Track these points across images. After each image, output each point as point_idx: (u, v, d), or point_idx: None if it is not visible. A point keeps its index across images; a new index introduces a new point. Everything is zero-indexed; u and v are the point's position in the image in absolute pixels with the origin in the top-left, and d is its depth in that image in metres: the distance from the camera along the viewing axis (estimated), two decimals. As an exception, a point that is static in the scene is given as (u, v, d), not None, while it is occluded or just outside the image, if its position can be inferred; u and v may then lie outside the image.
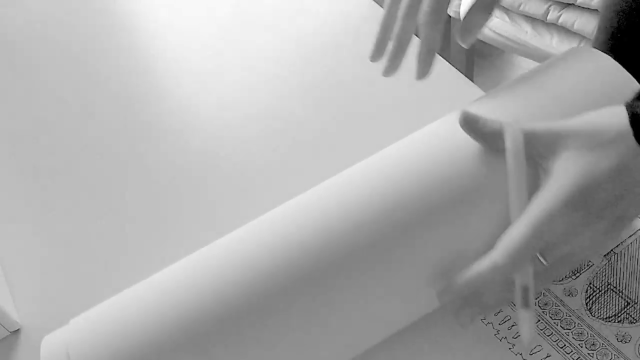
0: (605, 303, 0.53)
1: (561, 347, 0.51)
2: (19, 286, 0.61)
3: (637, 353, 0.50)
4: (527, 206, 0.43)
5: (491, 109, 0.49)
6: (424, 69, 0.53)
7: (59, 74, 0.79)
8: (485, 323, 0.53)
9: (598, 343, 0.51)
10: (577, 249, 0.44)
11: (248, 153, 0.67)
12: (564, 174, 0.43)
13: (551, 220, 0.42)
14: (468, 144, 0.47)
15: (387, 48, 0.55)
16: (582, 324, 0.52)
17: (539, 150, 0.45)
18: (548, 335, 0.52)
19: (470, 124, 0.47)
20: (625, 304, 0.53)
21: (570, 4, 1.30)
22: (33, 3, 0.89)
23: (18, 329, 0.59)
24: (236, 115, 0.71)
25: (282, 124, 0.70)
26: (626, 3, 0.72)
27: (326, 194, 0.47)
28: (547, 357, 0.51)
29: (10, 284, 0.61)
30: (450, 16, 1.52)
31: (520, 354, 0.51)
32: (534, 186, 0.45)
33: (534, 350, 0.51)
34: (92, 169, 0.70)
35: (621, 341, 0.51)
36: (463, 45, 0.54)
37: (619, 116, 0.43)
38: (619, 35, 0.75)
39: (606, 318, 0.52)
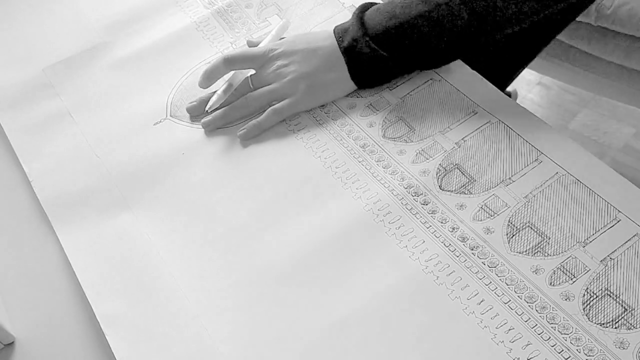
0: (603, 308, 0.53)
1: (559, 352, 0.51)
2: (12, 298, 0.61)
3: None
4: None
5: None
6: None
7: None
8: (482, 327, 0.53)
9: (596, 349, 0.51)
10: (288, 67, 0.70)
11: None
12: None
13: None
14: None
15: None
16: (579, 329, 0.52)
17: None
18: (546, 340, 0.52)
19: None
20: (623, 310, 0.52)
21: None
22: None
23: (12, 342, 0.58)
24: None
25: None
26: None
27: None
28: (545, 362, 0.50)
29: (4, 296, 0.61)
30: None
31: (518, 359, 0.51)
32: None
33: (532, 355, 0.51)
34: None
35: (619, 347, 0.51)
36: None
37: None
38: None
39: (604, 324, 0.52)
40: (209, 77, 0.72)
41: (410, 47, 0.67)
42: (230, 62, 0.71)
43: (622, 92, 1.27)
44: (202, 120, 0.71)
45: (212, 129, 0.71)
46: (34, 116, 0.75)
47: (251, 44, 0.76)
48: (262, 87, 0.71)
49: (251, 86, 0.72)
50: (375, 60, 0.68)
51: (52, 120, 0.74)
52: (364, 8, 0.70)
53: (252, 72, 0.73)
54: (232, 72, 0.72)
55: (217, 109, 0.71)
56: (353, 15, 0.70)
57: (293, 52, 0.71)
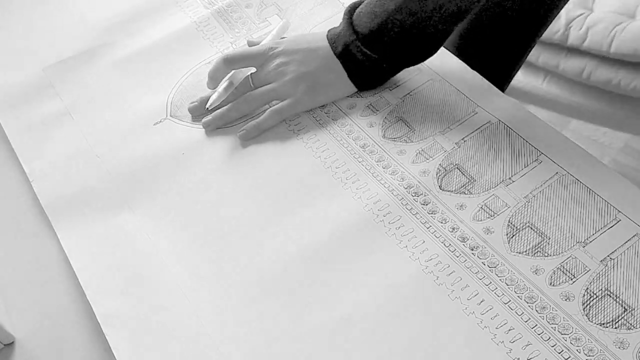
0: (603, 308, 0.53)
1: (559, 353, 0.51)
2: (12, 298, 0.61)
3: None
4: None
5: None
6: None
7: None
8: (482, 327, 0.53)
9: (596, 349, 0.51)
10: (289, 66, 0.70)
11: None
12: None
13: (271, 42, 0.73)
14: None
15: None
16: (579, 330, 0.52)
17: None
18: (546, 340, 0.52)
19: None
20: (623, 310, 0.52)
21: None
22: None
23: (12, 342, 0.58)
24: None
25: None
26: None
27: None
28: (545, 362, 0.50)
29: (4, 296, 0.61)
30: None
31: (518, 359, 0.51)
32: None
33: (532, 355, 0.51)
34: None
35: (619, 347, 0.51)
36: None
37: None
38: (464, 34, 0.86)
39: (604, 324, 0.52)
40: (213, 78, 0.72)
41: (397, 43, 0.67)
42: (231, 62, 0.71)
43: (594, 115, 1.27)
44: (203, 120, 0.71)
45: (212, 129, 0.71)
46: (34, 116, 0.75)
47: (252, 44, 0.76)
48: (262, 85, 0.71)
49: (252, 85, 0.72)
50: (369, 63, 0.68)
51: (52, 120, 0.74)
52: (352, 9, 0.70)
53: (253, 70, 0.73)
54: (233, 71, 0.72)
55: (217, 107, 0.71)
56: (343, 19, 0.70)
57: (294, 51, 0.71)
